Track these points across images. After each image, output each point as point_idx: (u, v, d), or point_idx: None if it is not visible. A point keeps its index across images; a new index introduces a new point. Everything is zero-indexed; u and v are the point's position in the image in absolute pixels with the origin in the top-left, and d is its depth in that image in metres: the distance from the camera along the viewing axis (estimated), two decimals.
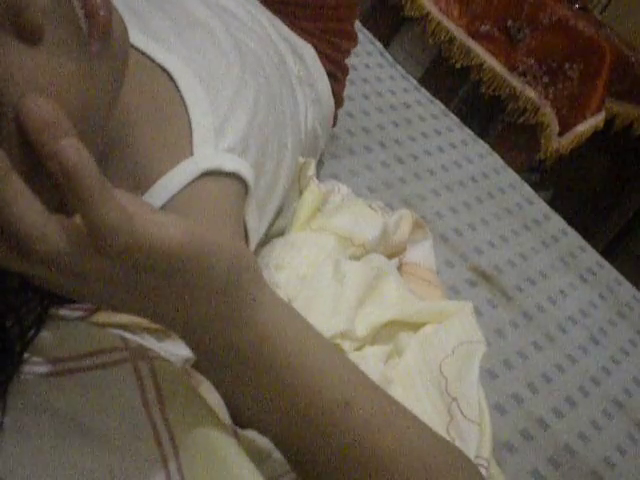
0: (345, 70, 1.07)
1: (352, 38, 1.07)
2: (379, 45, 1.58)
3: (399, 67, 1.55)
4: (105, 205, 0.37)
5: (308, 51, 0.97)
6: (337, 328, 0.71)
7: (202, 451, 0.51)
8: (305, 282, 0.75)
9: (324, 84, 0.99)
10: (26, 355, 0.49)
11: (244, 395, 0.49)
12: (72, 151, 0.36)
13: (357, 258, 0.86)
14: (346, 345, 0.72)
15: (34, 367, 0.50)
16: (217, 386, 0.51)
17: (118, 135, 0.59)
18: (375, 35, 1.61)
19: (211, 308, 0.44)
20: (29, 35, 0.41)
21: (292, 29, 0.97)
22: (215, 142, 0.62)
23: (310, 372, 0.48)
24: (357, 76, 1.39)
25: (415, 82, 1.54)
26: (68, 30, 0.43)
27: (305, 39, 0.98)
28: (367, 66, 1.48)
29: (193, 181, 0.59)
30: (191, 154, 0.60)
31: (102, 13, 0.43)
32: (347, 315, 0.73)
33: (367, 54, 1.52)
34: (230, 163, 0.62)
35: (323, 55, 1.00)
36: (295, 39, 0.96)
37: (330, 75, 1.01)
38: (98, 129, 0.47)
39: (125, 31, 0.46)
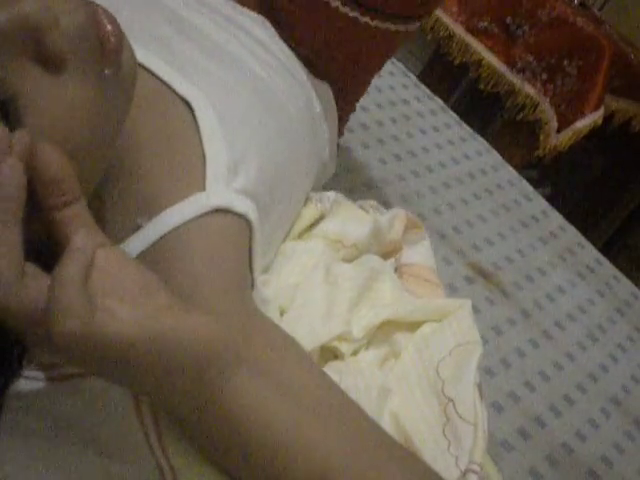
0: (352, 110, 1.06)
1: (363, 90, 1.04)
2: None
3: (398, 63, 1.55)
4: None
5: (324, 90, 0.95)
6: (334, 331, 0.71)
7: (195, 462, 0.51)
8: (297, 290, 0.74)
9: (334, 120, 0.98)
10: (24, 361, 0.49)
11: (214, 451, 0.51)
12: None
13: (350, 260, 0.85)
14: (344, 347, 0.72)
15: (32, 372, 0.51)
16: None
17: (131, 159, 0.59)
18: None
19: (175, 396, 0.45)
20: (52, 64, 0.42)
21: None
22: (227, 181, 0.62)
23: (284, 449, 0.48)
24: None
25: (414, 78, 1.54)
26: (88, 56, 0.44)
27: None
28: None
29: (202, 215, 0.59)
30: (203, 188, 0.60)
31: (113, 40, 0.45)
32: (343, 317, 0.73)
33: None
34: (240, 204, 0.62)
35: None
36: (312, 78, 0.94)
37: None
38: (106, 148, 0.49)
39: (133, 56, 0.48)
